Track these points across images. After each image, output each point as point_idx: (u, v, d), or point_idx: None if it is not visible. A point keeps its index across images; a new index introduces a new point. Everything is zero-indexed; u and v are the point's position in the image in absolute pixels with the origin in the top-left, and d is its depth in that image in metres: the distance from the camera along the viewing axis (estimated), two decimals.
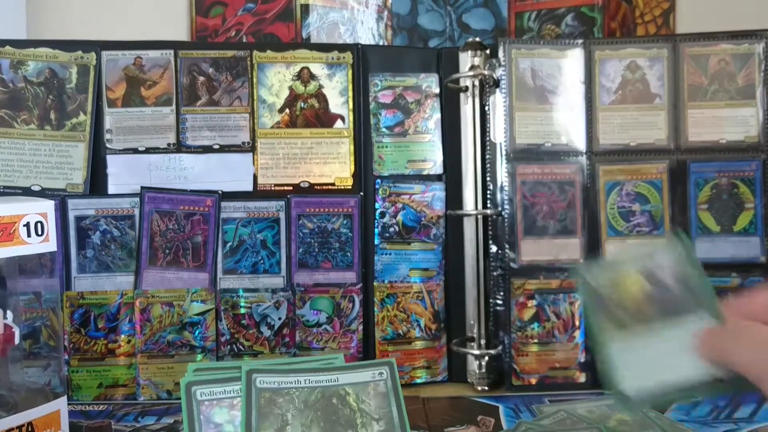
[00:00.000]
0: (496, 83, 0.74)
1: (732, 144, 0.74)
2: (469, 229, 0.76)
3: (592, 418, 0.60)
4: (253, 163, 0.75)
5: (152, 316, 0.71)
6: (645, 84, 0.75)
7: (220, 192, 0.74)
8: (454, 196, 0.76)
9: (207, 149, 0.75)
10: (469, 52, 0.75)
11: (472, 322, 0.76)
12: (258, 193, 0.75)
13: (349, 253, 0.75)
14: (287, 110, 0.76)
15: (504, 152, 0.74)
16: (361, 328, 0.75)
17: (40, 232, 0.54)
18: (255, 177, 0.75)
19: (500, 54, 0.74)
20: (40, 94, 0.73)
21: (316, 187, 0.76)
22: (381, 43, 1.03)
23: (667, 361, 0.39)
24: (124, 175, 0.74)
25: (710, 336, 0.40)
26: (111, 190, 0.73)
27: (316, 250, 0.75)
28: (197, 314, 0.72)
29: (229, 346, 0.73)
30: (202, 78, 0.75)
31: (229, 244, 0.74)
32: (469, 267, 0.76)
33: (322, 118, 0.76)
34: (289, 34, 1.01)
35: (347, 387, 0.36)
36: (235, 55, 0.76)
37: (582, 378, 0.73)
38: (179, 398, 0.71)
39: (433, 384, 0.76)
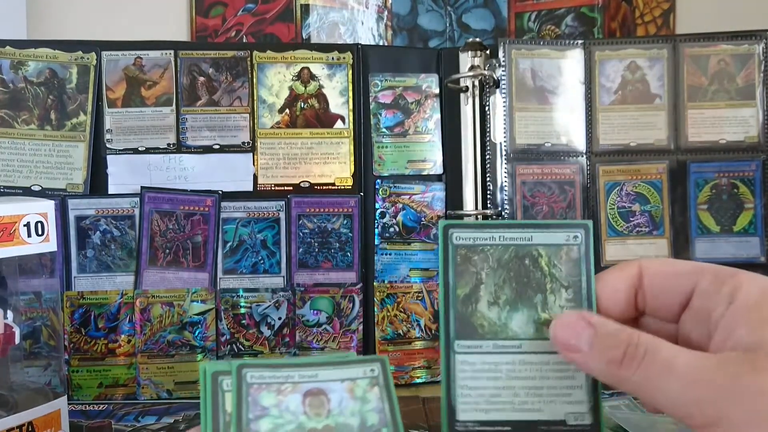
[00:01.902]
0: (496, 83, 0.74)
1: (732, 144, 0.74)
2: None
3: None
4: (253, 163, 0.75)
5: (152, 316, 0.72)
6: (645, 84, 0.75)
7: (220, 192, 0.74)
8: (454, 196, 0.77)
9: (207, 149, 0.75)
10: (469, 52, 0.76)
11: None
12: (258, 193, 0.75)
13: (349, 253, 0.75)
14: (287, 110, 0.76)
15: (504, 152, 0.74)
16: (361, 328, 0.75)
17: (40, 232, 0.54)
18: (255, 177, 0.75)
19: (500, 54, 0.74)
20: (41, 94, 0.73)
21: (316, 187, 0.76)
22: (381, 44, 1.03)
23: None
24: (124, 175, 0.74)
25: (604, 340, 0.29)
26: (111, 190, 0.73)
27: (316, 250, 0.75)
28: (197, 314, 0.72)
29: (229, 346, 0.73)
30: (202, 78, 0.75)
31: (229, 244, 0.74)
32: None
33: (322, 119, 0.76)
34: (289, 35, 1.01)
35: (540, 248, 0.34)
36: (235, 55, 0.76)
37: None
38: (180, 398, 0.71)
39: (433, 384, 0.76)
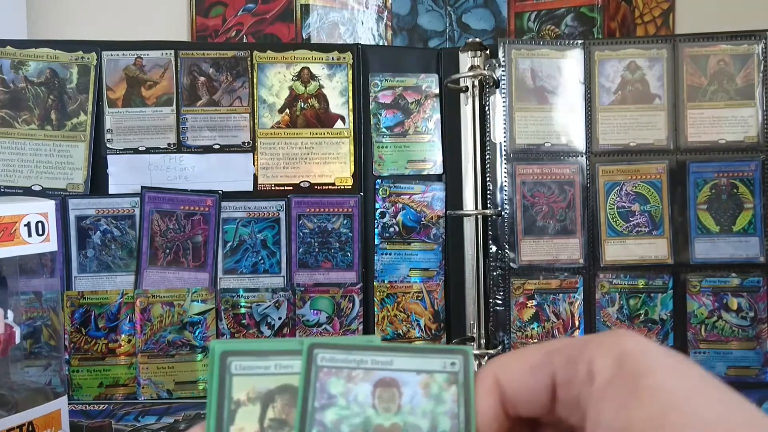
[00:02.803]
0: (496, 83, 0.74)
1: (731, 144, 0.74)
2: (469, 229, 0.76)
3: None
4: (253, 163, 0.75)
5: (152, 315, 0.72)
6: (644, 84, 0.75)
7: (220, 192, 0.74)
8: (454, 196, 0.77)
9: (207, 149, 0.75)
10: (469, 52, 0.76)
11: (471, 322, 0.76)
12: (258, 193, 0.75)
13: (349, 253, 0.75)
14: (287, 110, 0.76)
15: (504, 152, 0.74)
16: (361, 327, 0.75)
17: (40, 232, 0.54)
18: (255, 177, 0.75)
19: (500, 54, 0.74)
20: (41, 94, 0.73)
21: (316, 187, 0.76)
22: (381, 44, 1.03)
23: None
24: (125, 175, 0.74)
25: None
26: (111, 190, 0.73)
27: (316, 250, 0.75)
28: (197, 314, 0.72)
29: None
30: (202, 78, 0.75)
31: (229, 244, 0.74)
32: (469, 267, 0.76)
33: (322, 119, 0.76)
34: (289, 35, 1.01)
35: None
36: (235, 55, 0.76)
37: None
38: (180, 398, 0.71)
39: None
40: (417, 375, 0.29)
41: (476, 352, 0.74)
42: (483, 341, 0.75)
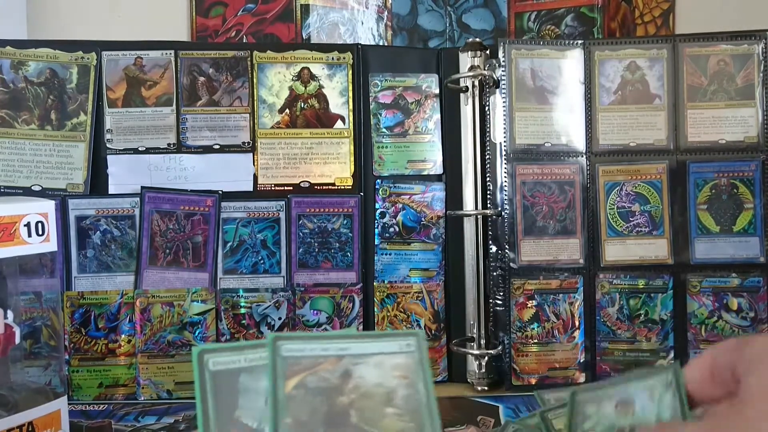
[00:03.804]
0: (496, 83, 0.74)
1: (731, 144, 0.74)
2: (469, 229, 0.76)
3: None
4: (253, 163, 0.75)
5: (152, 315, 0.72)
6: (644, 84, 0.75)
7: (220, 192, 0.74)
8: (454, 197, 0.77)
9: (207, 149, 0.75)
10: (469, 52, 0.76)
11: (472, 322, 0.76)
12: (258, 193, 0.75)
13: (349, 253, 0.75)
14: (287, 110, 0.76)
15: (504, 152, 0.74)
16: (361, 328, 0.75)
17: (40, 232, 0.54)
18: (255, 177, 0.75)
19: (500, 54, 0.74)
20: (41, 95, 0.73)
21: (316, 187, 0.76)
22: (381, 44, 1.03)
23: None
24: (125, 175, 0.74)
25: None
26: (111, 190, 0.73)
27: (316, 250, 0.75)
28: (197, 314, 0.72)
29: None
30: (202, 78, 0.75)
31: (229, 244, 0.74)
32: (469, 267, 0.76)
33: (322, 119, 0.76)
34: (289, 35, 1.01)
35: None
36: (235, 55, 0.76)
37: (582, 378, 0.73)
38: (180, 398, 0.71)
39: (433, 384, 0.76)
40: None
41: (476, 352, 0.74)
42: (483, 341, 0.75)
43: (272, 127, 0.76)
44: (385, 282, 0.76)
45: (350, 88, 0.77)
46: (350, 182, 0.76)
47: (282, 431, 0.30)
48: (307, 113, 0.76)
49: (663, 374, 0.36)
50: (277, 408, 0.30)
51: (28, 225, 0.53)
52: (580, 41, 0.76)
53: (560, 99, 0.75)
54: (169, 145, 0.74)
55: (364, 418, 0.31)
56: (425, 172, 0.77)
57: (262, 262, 0.74)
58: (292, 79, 0.76)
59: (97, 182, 0.73)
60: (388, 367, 0.32)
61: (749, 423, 0.28)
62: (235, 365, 0.32)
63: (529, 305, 0.74)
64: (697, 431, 0.30)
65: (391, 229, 0.76)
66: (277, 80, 0.76)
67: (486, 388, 0.74)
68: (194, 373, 0.31)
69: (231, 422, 0.31)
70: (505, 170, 0.74)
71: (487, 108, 0.75)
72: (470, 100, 0.75)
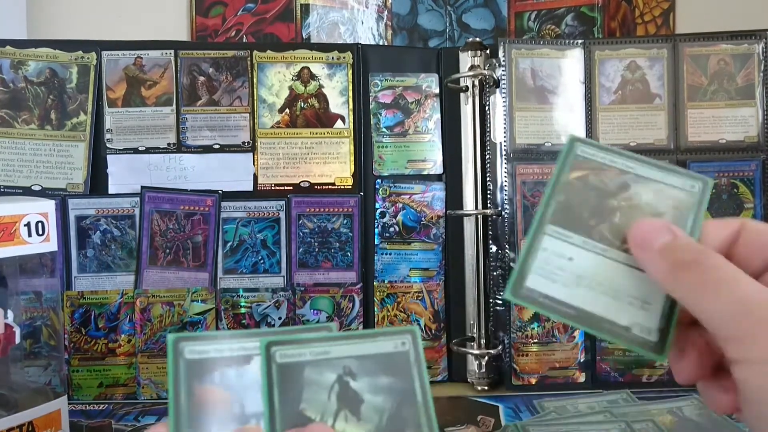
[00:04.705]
0: (496, 83, 0.74)
1: (732, 144, 0.74)
2: (469, 229, 0.76)
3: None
4: (253, 163, 0.75)
5: (152, 315, 0.72)
6: (645, 84, 0.75)
7: (220, 192, 0.74)
8: (454, 196, 0.77)
9: (207, 149, 0.75)
10: (469, 52, 0.76)
11: (472, 322, 0.76)
12: (258, 193, 0.75)
13: (349, 253, 0.75)
14: (287, 110, 0.76)
15: (504, 152, 0.74)
16: (361, 327, 0.75)
17: (40, 232, 0.54)
18: (255, 177, 0.75)
19: (500, 54, 0.74)
20: (41, 94, 0.73)
21: (316, 187, 0.76)
22: (381, 43, 1.03)
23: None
24: (125, 174, 0.74)
25: (672, 249, 0.31)
26: (111, 189, 0.73)
27: (316, 249, 0.75)
28: (197, 314, 0.72)
29: None
30: (202, 78, 0.75)
31: (229, 244, 0.74)
32: (469, 267, 0.76)
33: (322, 118, 0.76)
34: (289, 34, 1.01)
35: None
36: (235, 55, 0.76)
37: (582, 378, 0.73)
38: None
39: (433, 384, 0.76)
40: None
41: (476, 352, 0.74)
42: (483, 341, 0.75)
43: (272, 127, 0.76)
44: (385, 282, 0.76)
45: (350, 87, 0.77)
46: (350, 182, 0.76)
47: (552, 206, 0.35)
48: (307, 113, 0.76)
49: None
50: (555, 187, 0.35)
51: (28, 225, 0.53)
52: (580, 41, 0.76)
53: (560, 99, 0.75)
54: (169, 144, 0.74)
55: (626, 224, 0.34)
56: (425, 172, 0.77)
57: (262, 261, 0.74)
58: (292, 79, 0.76)
59: (97, 182, 0.73)
60: (664, 196, 0.35)
61: None
62: (301, 358, 0.33)
63: None
64: (758, 290, 0.29)
65: (391, 229, 0.76)
66: (277, 80, 0.76)
67: (486, 387, 0.74)
68: (261, 364, 0.32)
69: (296, 415, 0.32)
70: (505, 170, 0.74)
71: (487, 108, 0.75)
72: (470, 100, 0.75)
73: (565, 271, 0.34)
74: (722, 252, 0.32)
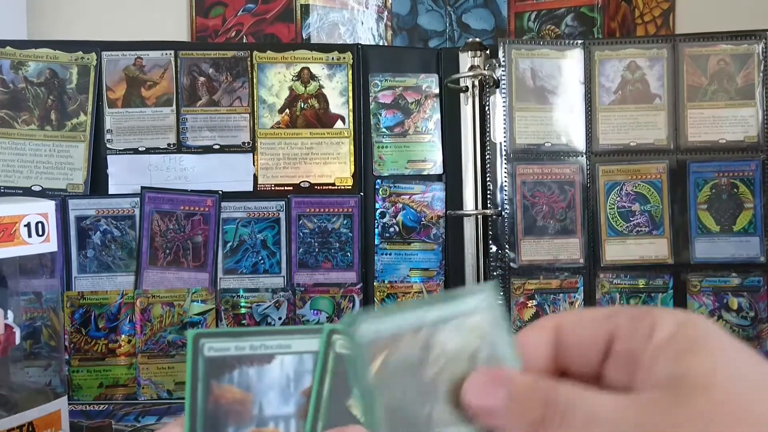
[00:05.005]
0: (496, 83, 0.74)
1: (732, 144, 0.74)
2: (469, 229, 0.76)
3: None
4: (254, 163, 0.75)
5: (152, 316, 0.72)
6: (644, 84, 0.75)
7: (220, 192, 0.74)
8: (454, 196, 0.77)
9: (207, 149, 0.75)
10: (469, 52, 0.76)
11: None
12: (258, 193, 0.75)
13: (349, 253, 0.75)
14: (287, 110, 0.76)
15: (504, 152, 0.74)
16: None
17: (40, 233, 0.54)
18: (255, 177, 0.75)
19: (500, 54, 0.74)
20: (41, 95, 0.73)
21: (316, 187, 0.76)
22: (381, 44, 1.03)
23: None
24: (125, 175, 0.74)
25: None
26: (111, 190, 0.73)
27: (317, 250, 0.75)
28: (197, 314, 0.72)
29: None
30: (202, 78, 0.75)
31: (229, 244, 0.74)
32: (469, 267, 0.76)
33: (322, 119, 0.76)
34: (289, 35, 1.01)
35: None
36: (235, 55, 0.76)
37: None
38: (180, 398, 0.71)
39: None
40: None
41: None
42: None
43: (272, 127, 0.76)
44: (385, 282, 0.76)
45: (350, 88, 0.77)
46: (350, 182, 0.76)
47: (379, 422, 0.27)
48: (307, 113, 0.76)
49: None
50: (365, 398, 0.27)
51: (28, 225, 0.53)
52: (580, 41, 0.76)
53: (560, 99, 0.75)
54: (169, 145, 0.74)
55: (456, 386, 0.28)
56: (425, 172, 0.77)
57: (262, 262, 0.74)
58: (292, 79, 0.76)
59: (97, 182, 0.73)
60: (466, 331, 0.29)
61: (712, 413, 0.23)
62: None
63: (530, 305, 0.74)
64: (620, 408, 0.24)
65: (391, 229, 0.76)
66: (277, 80, 0.76)
67: None
68: (320, 349, 0.31)
69: (343, 410, 0.30)
70: (505, 170, 0.74)
71: (487, 108, 0.75)
72: (470, 100, 0.75)
73: None
74: (551, 364, 0.28)
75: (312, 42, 1.00)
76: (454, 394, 0.27)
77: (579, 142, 0.75)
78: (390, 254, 0.76)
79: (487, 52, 0.76)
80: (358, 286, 0.75)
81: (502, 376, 0.27)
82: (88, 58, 0.74)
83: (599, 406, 0.25)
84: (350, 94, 0.77)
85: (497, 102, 0.74)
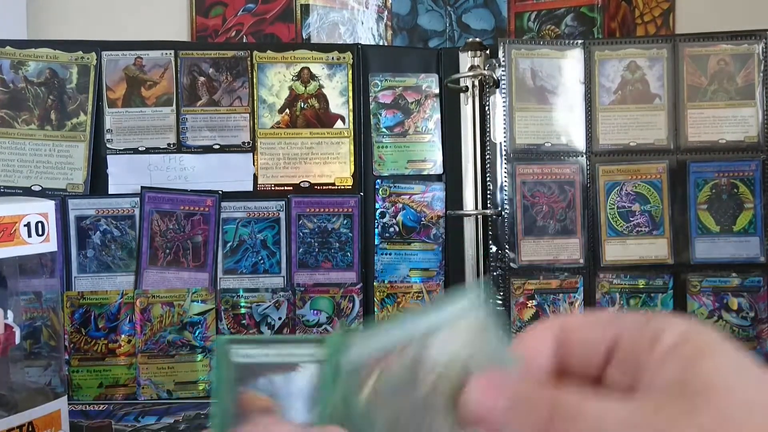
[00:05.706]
0: (496, 83, 0.74)
1: (732, 144, 0.74)
2: (469, 229, 0.76)
3: None
4: (253, 163, 0.75)
5: (152, 316, 0.72)
6: (645, 84, 0.75)
7: (220, 192, 0.74)
8: (454, 196, 0.77)
9: (207, 149, 0.75)
10: (469, 52, 0.76)
11: None
12: (258, 193, 0.75)
13: (349, 253, 0.75)
14: (287, 110, 0.76)
15: (504, 152, 0.74)
16: (361, 328, 0.75)
17: (40, 232, 0.54)
18: (255, 177, 0.75)
19: (500, 54, 0.74)
20: (41, 95, 0.73)
21: (316, 187, 0.76)
22: (381, 44, 1.03)
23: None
24: (125, 175, 0.74)
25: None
26: (111, 190, 0.73)
27: (316, 250, 0.75)
28: (197, 314, 0.72)
29: None
30: (202, 78, 0.75)
31: (229, 244, 0.74)
32: (469, 267, 0.76)
33: (322, 119, 0.76)
34: (290, 35, 1.01)
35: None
36: (235, 55, 0.76)
37: None
38: (180, 398, 0.71)
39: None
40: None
41: None
42: None
43: (272, 127, 0.76)
44: (385, 282, 0.76)
45: (350, 88, 0.77)
46: (350, 182, 0.76)
47: None
48: (307, 113, 0.76)
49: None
50: (358, 423, 0.28)
51: (28, 225, 0.53)
52: (580, 41, 0.76)
53: (560, 99, 0.75)
54: (169, 145, 0.74)
55: (452, 399, 0.27)
56: (425, 172, 0.77)
57: (262, 262, 0.74)
58: (292, 79, 0.76)
59: (97, 182, 0.73)
60: (455, 340, 0.29)
61: (721, 417, 0.23)
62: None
63: (529, 305, 0.74)
64: (628, 413, 0.24)
65: (391, 229, 0.76)
66: (277, 80, 0.76)
67: None
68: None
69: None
70: (505, 170, 0.74)
71: (487, 108, 0.75)
72: (470, 100, 0.75)
73: None
74: (553, 363, 0.28)
75: (312, 42, 1.00)
76: (452, 404, 0.27)
77: (579, 142, 0.75)
78: (390, 254, 0.76)
79: (487, 52, 0.76)
80: (358, 286, 0.75)
81: (501, 381, 0.27)
82: (88, 58, 0.74)
83: (607, 411, 0.25)
84: (350, 94, 0.77)
85: (497, 102, 0.74)
